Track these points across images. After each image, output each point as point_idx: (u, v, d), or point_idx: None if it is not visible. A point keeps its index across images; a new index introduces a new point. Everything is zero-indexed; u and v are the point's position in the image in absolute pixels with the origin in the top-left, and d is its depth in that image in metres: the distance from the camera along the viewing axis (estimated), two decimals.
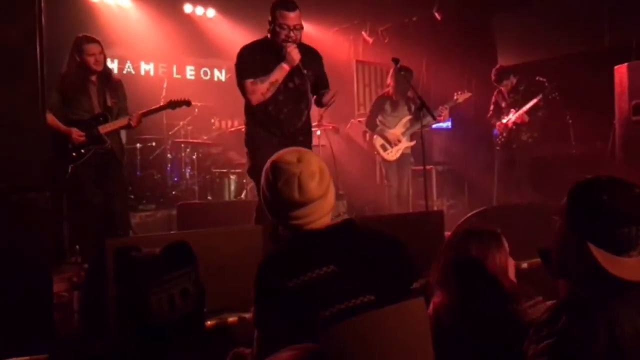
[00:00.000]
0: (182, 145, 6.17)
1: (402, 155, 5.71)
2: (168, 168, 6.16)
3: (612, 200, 1.36)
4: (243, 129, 6.06)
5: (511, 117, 5.96)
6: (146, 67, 7.53)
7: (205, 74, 8.10)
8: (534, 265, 3.70)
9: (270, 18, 3.44)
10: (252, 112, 3.55)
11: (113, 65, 7.24)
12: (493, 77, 6.15)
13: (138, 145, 5.93)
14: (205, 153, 6.27)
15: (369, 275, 1.60)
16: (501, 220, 4.23)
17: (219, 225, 3.90)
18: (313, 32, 8.41)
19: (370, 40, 7.97)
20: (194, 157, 6.10)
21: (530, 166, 6.05)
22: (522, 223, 4.27)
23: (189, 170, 6.10)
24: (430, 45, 7.74)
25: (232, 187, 5.88)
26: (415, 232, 3.65)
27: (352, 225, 1.71)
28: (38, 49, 3.06)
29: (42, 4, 3.18)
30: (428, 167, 6.38)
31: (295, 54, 3.35)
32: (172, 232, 4.55)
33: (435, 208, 6.50)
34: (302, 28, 3.43)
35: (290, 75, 3.47)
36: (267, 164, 1.71)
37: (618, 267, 1.33)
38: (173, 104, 4.64)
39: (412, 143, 5.73)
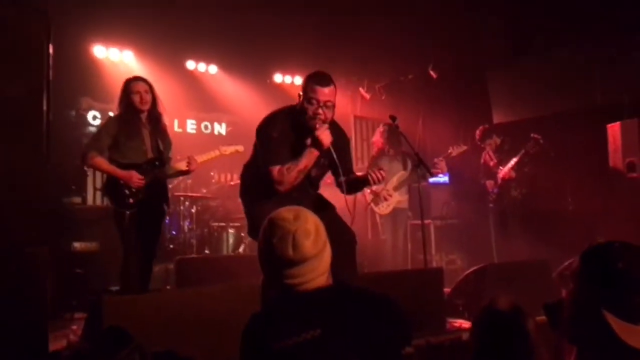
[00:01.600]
0: (182, 198, 6.18)
1: (396, 209, 5.78)
2: (166, 221, 6.16)
3: (628, 268, 1.36)
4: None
5: (498, 176, 6.14)
6: None
7: (206, 127, 8.22)
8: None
9: (302, 89, 3.11)
10: (266, 195, 3.04)
11: None
12: (477, 137, 6.39)
13: None
14: (204, 206, 6.28)
15: (356, 340, 1.57)
16: (500, 278, 4.24)
17: (218, 281, 3.87)
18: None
19: (367, 96, 8.15)
20: (193, 210, 6.11)
21: (522, 221, 6.10)
22: (522, 280, 4.27)
23: (187, 224, 6.09)
24: (426, 102, 7.91)
25: (231, 241, 5.86)
26: (414, 290, 3.63)
27: (343, 287, 1.70)
28: (45, 104, 3.13)
29: (50, 61, 3.29)
30: (427, 221, 6.40)
31: (325, 138, 2.99)
32: (168, 287, 4.47)
33: (435, 263, 6.49)
34: (334, 105, 3.06)
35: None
36: (265, 221, 1.72)
37: (635, 337, 1.32)
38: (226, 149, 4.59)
39: (405, 197, 5.80)
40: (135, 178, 3.79)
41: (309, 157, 3.02)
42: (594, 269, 1.41)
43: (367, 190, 5.75)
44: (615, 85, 6.21)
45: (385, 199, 5.72)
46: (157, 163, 3.94)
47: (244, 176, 3.42)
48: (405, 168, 5.82)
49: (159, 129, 4.04)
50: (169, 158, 4.14)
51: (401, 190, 5.79)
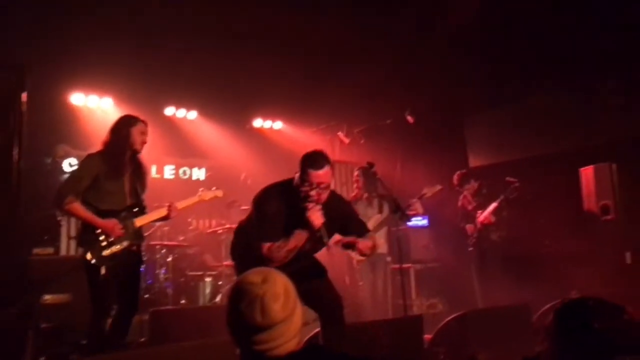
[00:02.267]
0: (158, 246, 6.07)
1: (374, 255, 5.65)
2: (142, 269, 6.02)
3: (604, 329, 1.35)
4: (220, 231, 6.14)
5: (477, 220, 6.20)
6: None
7: (185, 173, 8.17)
8: None
9: (298, 171, 3.19)
10: (248, 247, 3.25)
11: None
12: (455, 182, 6.46)
13: None
14: (181, 254, 6.17)
15: None
16: (481, 324, 4.20)
17: (193, 334, 3.76)
18: (292, 132, 8.70)
19: (346, 140, 8.22)
20: (169, 259, 5.99)
21: (502, 265, 6.11)
22: (503, 326, 4.24)
23: (163, 272, 5.96)
24: (404, 146, 8.01)
25: (207, 291, 5.75)
26: (394, 339, 3.58)
27: (317, 350, 1.66)
28: (16, 155, 3.10)
29: (24, 110, 3.26)
30: (406, 265, 6.37)
31: (316, 219, 3.11)
32: (142, 339, 4.29)
33: (415, 308, 6.43)
34: (329, 187, 3.19)
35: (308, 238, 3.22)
36: (233, 284, 1.68)
37: None
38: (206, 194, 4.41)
39: (382, 242, 5.69)
40: (117, 228, 3.58)
41: (298, 238, 3.14)
42: (569, 327, 1.41)
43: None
44: (588, 129, 6.37)
45: None
46: (135, 210, 3.76)
47: (237, 235, 3.51)
48: (381, 212, 5.74)
49: (139, 172, 3.86)
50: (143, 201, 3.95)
51: (378, 234, 5.68)
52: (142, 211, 3.80)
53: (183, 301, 5.79)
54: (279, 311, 1.56)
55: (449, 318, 4.43)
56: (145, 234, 6.23)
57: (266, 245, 3.10)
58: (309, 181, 3.10)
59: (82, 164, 3.80)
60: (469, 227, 6.27)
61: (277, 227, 3.14)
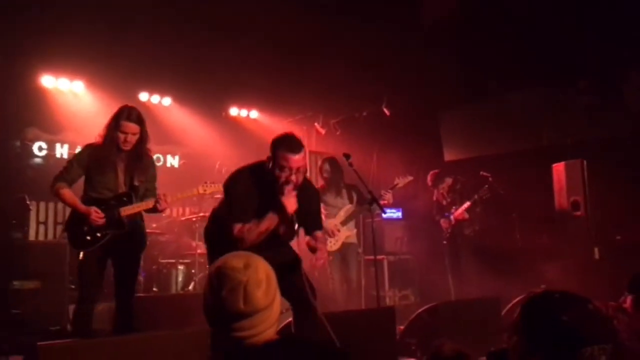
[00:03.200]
0: None
1: (344, 244, 5.64)
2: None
3: (572, 321, 1.37)
4: (194, 218, 6.07)
5: (451, 216, 6.31)
6: None
7: (159, 160, 8.03)
8: None
9: (270, 153, 3.13)
10: (222, 233, 3.15)
11: (62, 150, 7.15)
12: (429, 182, 6.58)
13: None
14: (154, 242, 6.07)
15: None
16: (452, 316, 4.26)
17: (165, 322, 3.73)
18: (268, 122, 8.64)
19: (322, 131, 8.21)
20: None
21: (475, 258, 6.20)
22: (473, 318, 4.30)
23: None
24: (380, 138, 8.03)
25: (180, 278, 5.69)
26: (366, 330, 3.60)
27: (290, 341, 1.64)
28: None
29: None
30: (380, 257, 6.40)
31: (290, 205, 3.06)
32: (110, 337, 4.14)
33: (387, 299, 6.48)
34: (305, 170, 3.17)
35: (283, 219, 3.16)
36: (212, 268, 1.63)
37: None
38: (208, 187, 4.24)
39: (353, 232, 5.73)
40: (94, 215, 3.61)
41: (270, 221, 3.08)
42: (537, 322, 1.42)
43: None
44: (560, 126, 6.48)
45: (334, 235, 5.60)
46: (125, 199, 3.76)
47: (211, 220, 3.45)
48: (351, 201, 5.74)
49: (140, 164, 3.85)
50: (152, 191, 3.91)
51: (349, 225, 5.68)
52: (130, 201, 3.77)
53: (155, 289, 5.72)
54: (261, 298, 1.53)
55: (420, 310, 4.48)
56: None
57: (237, 226, 3.06)
58: (288, 167, 3.05)
59: (73, 155, 3.97)
60: (444, 222, 6.37)
61: (248, 208, 3.10)
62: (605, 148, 5.97)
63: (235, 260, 1.60)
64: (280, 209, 3.06)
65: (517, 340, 1.45)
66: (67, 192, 3.68)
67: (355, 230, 5.80)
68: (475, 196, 6.14)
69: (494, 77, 6.96)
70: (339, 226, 5.64)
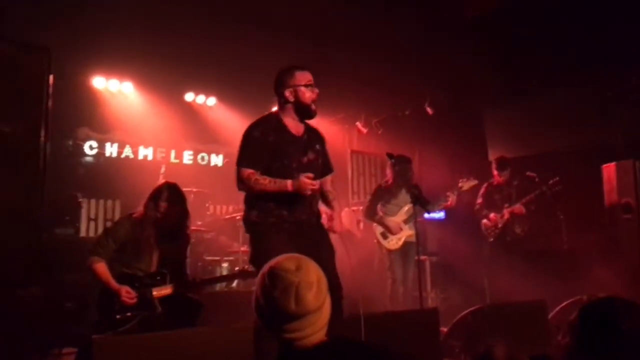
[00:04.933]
0: None
1: (406, 243, 5.57)
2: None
3: (631, 331, 1.33)
4: (238, 217, 6.16)
5: (505, 210, 5.95)
6: (145, 152, 7.66)
7: (203, 159, 8.23)
8: None
9: (285, 87, 3.15)
10: (263, 196, 3.07)
11: (112, 149, 7.39)
12: (496, 165, 6.14)
13: None
14: (199, 239, 6.21)
15: None
16: (497, 319, 4.19)
17: (211, 318, 3.80)
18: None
19: (364, 130, 8.20)
20: None
21: (524, 259, 5.99)
22: (519, 322, 4.22)
23: None
24: (422, 138, 7.96)
25: None
26: (410, 332, 3.58)
27: (341, 343, 1.65)
28: (42, 138, 3.14)
29: (50, 102, 3.30)
30: (423, 257, 6.34)
31: (306, 186, 2.98)
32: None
33: (430, 301, 6.42)
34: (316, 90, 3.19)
35: (304, 150, 3.19)
36: (265, 269, 1.65)
37: None
38: (244, 274, 4.02)
39: (413, 231, 5.63)
40: (126, 295, 3.51)
41: (283, 187, 3.01)
42: (595, 327, 1.39)
43: (375, 225, 5.65)
44: (609, 126, 6.28)
45: (396, 232, 5.55)
46: (158, 278, 3.68)
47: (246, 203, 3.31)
48: (413, 202, 5.70)
49: (175, 244, 3.80)
50: (182, 265, 3.87)
51: (410, 224, 5.62)
52: (164, 281, 3.68)
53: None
54: (312, 300, 1.55)
55: (465, 312, 4.42)
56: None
57: (247, 171, 3.01)
58: (305, 83, 3.11)
59: (110, 228, 3.83)
60: (494, 216, 6.02)
61: (260, 153, 3.05)
62: None
63: (287, 261, 1.62)
64: (297, 186, 3.00)
65: (569, 342, 1.43)
66: (100, 267, 3.55)
67: (415, 231, 5.72)
68: (544, 187, 5.75)
69: (539, 75, 6.80)
70: (401, 224, 5.61)
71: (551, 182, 5.77)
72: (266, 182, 3.01)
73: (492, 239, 6.08)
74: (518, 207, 5.88)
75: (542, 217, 6.22)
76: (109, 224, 7.24)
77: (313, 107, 3.15)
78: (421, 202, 4.80)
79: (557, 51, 6.21)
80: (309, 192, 3.02)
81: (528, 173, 6.05)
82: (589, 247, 6.06)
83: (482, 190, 6.23)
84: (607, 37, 5.77)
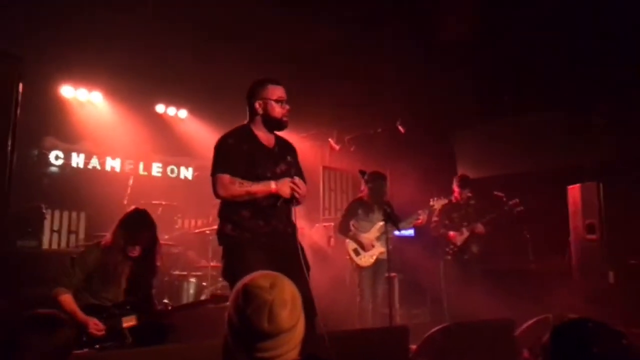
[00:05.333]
0: None
1: (378, 260, 5.57)
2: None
3: (603, 354, 1.34)
4: (208, 231, 6.08)
5: (464, 229, 6.00)
6: (112, 163, 7.52)
7: (172, 171, 8.11)
8: None
9: (256, 99, 3.16)
10: (238, 205, 3.05)
11: (79, 159, 7.23)
12: (457, 183, 6.20)
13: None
14: (166, 253, 6.06)
15: None
16: (465, 337, 4.21)
17: (183, 336, 3.71)
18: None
19: (336, 147, 8.24)
20: None
21: (482, 278, 6.03)
22: (486, 339, 4.25)
23: None
24: (393, 155, 8.03)
25: (191, 291, 5.68)
26: (380, 349, 3.57)
27: None
28: (9, 146, 3.05)
29: (19, 100, 3.21)
30: (392, 274, 6.35)
31: (289, 188, 3.03)
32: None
33: (399, 318, 6.43)
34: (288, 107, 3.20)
35: (276, 160, 3.18)
36: (239, 286, 1.61)
37: None
38: (217, 299, 3.87)
39: (384, 249, 5.65)
40: (93, 328, 3.35)
41: (265, 188, 3.02)
42: (567, 350, 1.40)
43: (347, 241, 5.64)
44: (576, 148, 6.46)
45: (368, 249, 5.55)
46: (128, 308, 3.56)
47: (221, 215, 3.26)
48: (385, 218, 5.71)
49: (144, 273, 3.67)
50: (149, 299, 3.72)
51: (382, 241, 5.59)
52: (133, 310, 3.56)
53: (166, 301, 5.71)
54: (286, 319, 1.52)
55: (433, 330, 4.44)
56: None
57: (226, 176, 2.99)
58: (281, 97, 3.12)
59: (81, 257, 3.61)
60: (454, 235, 6.05)
61: (237, 160, 3.03)
62: (621, 170, 5.94)
63: (262, 279, 1.59)
64: (279, 184, 3.03)
65: None
66: (66, 299, 3.38)
67: (389, 248, 5.72)
68: (505, 208, 5.83)
69: (508, 98, 6.96)
70: (374, 241, 5.61)
71: (511, 202, 5.85)
72: (250, 184, 3.01)
73: (449, 257, 6.10)
74: (479, 227, 5.95)
75: (507, 236, 6.33)
76: (72, 236, 7.06)
77: (283, 120, 3.17)
78: (393, 219, 4.85)
79: (525, 76, 6.38)
80: (288, 194, 3.03)
81: (496, 193, 6.15)
82: (555, 267, 6.18)
83: (439, 208, 6.19)
84: (574, 62, 5.96)
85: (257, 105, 3.17)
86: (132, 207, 3.89)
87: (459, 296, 5.93)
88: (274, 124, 3.18)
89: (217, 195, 3.05)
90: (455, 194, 6.18)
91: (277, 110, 3.15)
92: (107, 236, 3.61)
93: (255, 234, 3.06)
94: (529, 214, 6.23)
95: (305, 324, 3.03)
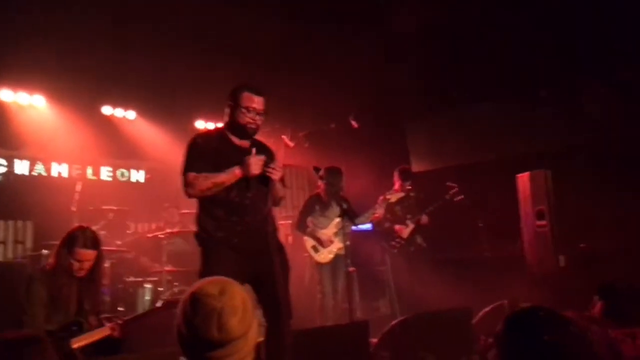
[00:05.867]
0: None
1: (336, 256, 5.58)
2: None
3: (554, 342, 1.37)
4: (162, 235, 5.93)
5: (409, 221, 6.01)
6: (58, 168, 7.22)
7: (123, 175, 7.86)
8: None
9: (231, 102, 3.15)
10: (209, 202, 3.06)
11: (22, 166, 6.93)
12: (398, 176, 6.18)
13: (44, 251, 5.51)
14: (119, 259, 5.90)
15: None
16: (424, 328, 4.27)
17: (134, 346, 3.60)
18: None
19: (291, 144, 8.18)
20: (106, 265, 5.68)
21: (431, 268, 6.02)
22: (445, 329, 4.32)
23: None
24: (348, 150, 8.04)
25: (147, 297, 5.52)
26: (341, 345, 3.57)
27: None
28: None
29: None
30: (351, 269, 6.36)
31: (255, 168, 3.02)
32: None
33: (359, 312, 6.45)
34: (265, 115, 3.19)
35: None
36: (186, 294, 1.56)
37: None
38: (170, 306, 3.70)
39: (342, 244, 5.67)
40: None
41: (230, 175, 3.02)
42: (519, 338, 1.42)
43: (305, 238, 5.61)
44: (524, 137, 6.63)
45: (327, 245, 5.55)
46: (74, 328, 3.42)
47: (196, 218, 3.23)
48: (341, 214, 5.71)
49: (91, 290, 3.57)
50: (97, 305, 3.64)
51: (340, 237, 5.58)
52: (81, 329, 3.42)
53: (121, 309, 5.54)
54: (236, 326, 1.48)
55: (393, 322, 4.48)
56: None
57: (192, 174, 3.00)
58: (252, 107, 3.09)
59: (30, 295, 3.42)
60: (400, 228, 6.03)
61: (205, 158, 3.04)
62: (567, 157, 6.14)
63: (210, 286, 1.54)
64: (245, 167, 3.02)
65: (496, 354, 1.46)
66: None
67: (348, 243, 5.71)
68: (446, 197, 5.89)
69: (455, 89, 7.08)
70: (332, 237, 5.59)
71: (451, 192, 5.91)
72: (215, 175, 3.01)
73: (395, 250, 6.08)
74: (424, 218, 5.98)
75: (460, 226, 6.43)
76: (20, 246, 6.76)
77: (247, 127, 3.13)
78: (350, 215, 4.86)
79: (474, 67, 6.49)
80: (257, 170, 3.02)
81: (448, 183, 6.22)
82: (507, 254, 6.34)
83: (379, 202, 6.21)
84: (518, 53, 6.10)
85: (227, 107, 3.19)
86: (75, 225, 3.80)
87: (412, 288, 5.90)
88: (238, 129, 3.16)
89: (186, 194, 3.06)
90: (396, 187, 6.18)
91: (242, 117, 3.11)
92: (50, 259, 3.52)
93: (229, 233, 3.05)
94: (481, 203, 6.37)
95: (274, 328, 3.01)
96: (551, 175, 5.80)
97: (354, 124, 7.59)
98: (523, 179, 6.03)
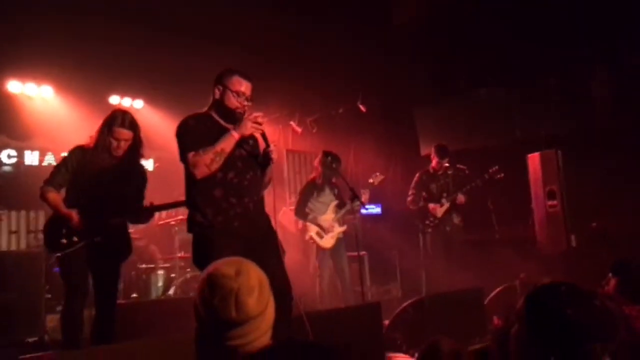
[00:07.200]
0: None
1: (338, 240, 5.65)
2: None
3: (576, 316, 1.34)
4: (173, 222, 5.97)
5: (445, 200, 5.93)
6: None
7: None
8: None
9: (220, 85, 3.11)
10: (208, 186, 3.00)
11: (32, 157, 6.97)
12: (436, 153, 6.05)
13: None
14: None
15: None
16: (437, 309, 4.28)
17: (146, 329, 3.64)
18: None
19: (299, 130, 8.17)
20: None
21: (463, 248, 6.05)
22: (457, 309, 4.34)
23: None
24: (356, 135, 8.04)
25: (160, 283, 5.58)
26: (354, 327, 3.59)
27: (287, 346, 1.61)
28: None
29: None
30: (362, 253, 6.39)
31: (251, 122, 3.00)
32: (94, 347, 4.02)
33: (370, 295, 6.49)
34: (251, 102, 3.14)
35: (239, 143, 3.08)
36: (203, 275, 1.57)
37: None
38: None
39: (344, 228, 5.73)
40: (75, 219, 3.46)
41: (228, 140, 2.98)
42: (541, 314, 1.39)
43: (308, 224, 5.64)
44: (532, 120, 6.58)
45: (330, 231, 5.59)
46: (109, 207, 3.57)
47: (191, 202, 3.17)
48: (335, 198, 5.75)
49: (128, 173, 3.70)
50: (138, 201, 3.75)
51: (338, 221, 5.67)
52: (120, 211, 3.61)
53: (134, 295, 5.60)
54: (253, 305, 1.50)
55: (405, 304, 4.50)
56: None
57: (191, 153, 2.95)
58: (242, 92, 3.06)
59: (65, 157, 3.70)
60: (433, 207, 5.93)
61: (202, 135, 3.00)
62: (576, 139, 6.09)
63: (226, 267, 1.55)
64: (240, 127, 2.99)
65: (518, 329, 1.44)
66: (52, 196, 3.54)
67: (345, 227, 5.75)
68: (486, 176, 5.75)
69: (465, 75, 7.04)
70: (332, 222, 5.62)
71: (492, 170, 5.77)
72: (212, 146, 2.95)
73: (430, 230, 5.99)
74: (460, 197, 5.86)
75: (475, 207, 6.40)
76: (32, 236, 6.83)
77: (236, 112, 3.08)
78: (338, 202, 4.90)
79: (481, 53, 6.45)
80: (249, 129, 2.99)
81: (458, 166, 6.20)
82: (518, 234, 6.32)
83: (415, 180, 6.17)
84: (526, 39, 6.05)
85: (216, 90, 3.13)
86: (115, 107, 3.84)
87: (437, 269, 5.86)
88: (226, 113, 3.11)
89: (194, 176, 2.97)
90: (433, 164, 6.07)
91: (232, 101, 3.08)
92: (91, 137, 3.66)
93: (228, 216, 3.00)
94: (491, 185, 6.33)
95: (281, 309, 3.02)
96: (562, 156, 5.76)
97: (362, 108, 7.56)
98: (534, 159, 5.99)
